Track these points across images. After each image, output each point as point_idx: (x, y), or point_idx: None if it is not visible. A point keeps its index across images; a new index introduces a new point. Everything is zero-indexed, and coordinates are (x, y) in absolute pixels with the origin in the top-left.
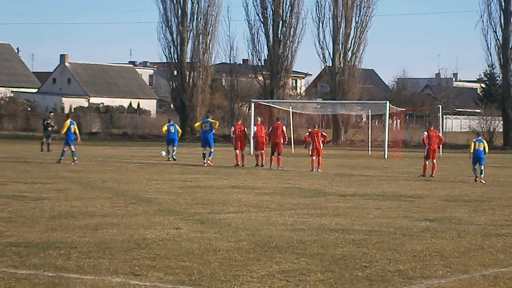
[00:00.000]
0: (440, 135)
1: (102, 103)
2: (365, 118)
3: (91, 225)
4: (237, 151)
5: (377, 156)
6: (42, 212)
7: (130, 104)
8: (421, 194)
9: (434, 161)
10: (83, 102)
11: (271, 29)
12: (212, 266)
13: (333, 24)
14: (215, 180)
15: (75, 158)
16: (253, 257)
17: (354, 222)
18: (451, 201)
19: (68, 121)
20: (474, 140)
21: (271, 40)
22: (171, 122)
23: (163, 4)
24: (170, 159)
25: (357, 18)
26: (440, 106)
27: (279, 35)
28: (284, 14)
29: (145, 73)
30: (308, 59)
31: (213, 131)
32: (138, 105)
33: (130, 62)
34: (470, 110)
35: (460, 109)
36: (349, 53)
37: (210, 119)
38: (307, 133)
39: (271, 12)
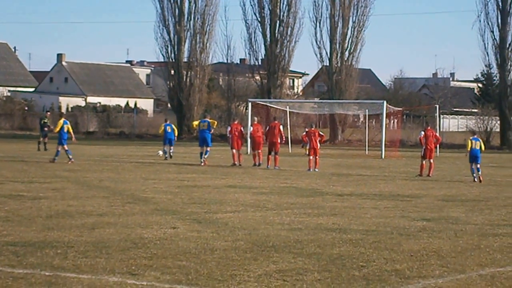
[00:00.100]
0: (437, 134)
1: (99, 103)
2: (362, 118)
3: (88, 224)
4: (234, 151)
5: (374, 156)
6: (39, 212)
7: (127, 103)
8: (418, 194)
9: (431, 160)
10: (80, 101)
11: (268, 29)
12: (209, 266)
13: (330, 23)
14: (212, 180)
15: (70, 157)
16: (250, 256)
17: (351, 222)
18: (448, 200)
19: (61, 121)
20: (471, 138)
21: (268, 40)
22: (168, 122)
23: (160, 4)
24: (167, 158)
25: (354, 18)
26: (437, 106)
27: (276, 34)
28: (282, 13)
29: (142, 73)
30: (305, 59)
31: (212, 131)
32: (135, 104)
33: (127, 62)
34: (467, 110)
35: (457, 109)
36: (346, 53)
37: (208, 119)
38: (304, 133)
39: (268, 11)
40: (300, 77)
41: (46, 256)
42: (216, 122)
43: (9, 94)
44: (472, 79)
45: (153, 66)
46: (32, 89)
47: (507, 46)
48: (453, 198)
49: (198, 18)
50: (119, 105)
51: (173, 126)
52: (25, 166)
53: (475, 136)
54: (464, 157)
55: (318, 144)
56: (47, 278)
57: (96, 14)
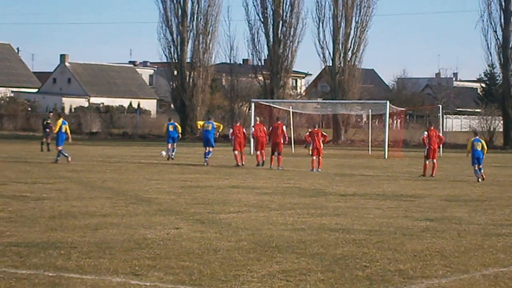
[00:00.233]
0: (440, 134)
1: (102, 103)
2: (365, 118)
3: (91, 225)
4: (236, 152)
5: (377, 156)
6: (42, 212)
7: (130, 104)
8: (421, 194)
9: (434, 160)
10: (83, 102)
11: (271, 29)
12: (212, 266)
13: (333, 23)
14: (215, 180)
15: (66, 155)
16: (253, 257)
17: (354, 222)
18: (451, 200)
19: (60, 121)
20: (472, 140)
21: (271, 40)
22: (171, 121)
23: (163, 4)
24: (172, 158)
25: (357, 18)
26: (440, 106)
27: (279, 35)
28: (284, 14)
29: (145, 73)
30: (308, 59)
31: (217, 134)
32: (138, 105)
33: (130, 62)
34: (470, 110)
35: (460, 109)
36: (349, 53)
37: (213, 121)
38: (307, 133)
39: (271, 12)
40: (303, 78)
41: (50, 257)
42: (221, 126)
43: (12, 95)
44: (475, 79)
45: (156, 66)
46: (35, 90)
47: (510, 45)
48: (456, 198)
49: (201, 19)
50: (122, 106)
51: (177, 124)
52: (28, 166)
53: (477, 137)
54: (467, 157)
55: (321, 144)
56: (50, 278)
57: (99, 15)
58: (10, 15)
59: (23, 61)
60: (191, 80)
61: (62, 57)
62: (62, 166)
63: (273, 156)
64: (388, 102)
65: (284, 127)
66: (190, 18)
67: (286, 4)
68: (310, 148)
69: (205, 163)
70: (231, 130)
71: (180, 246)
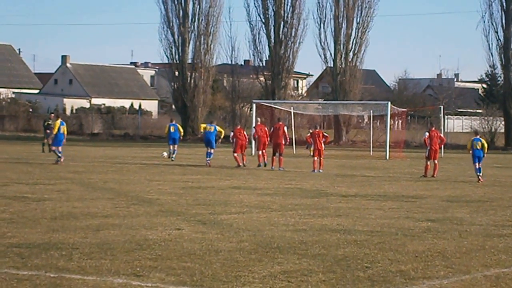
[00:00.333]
0: (442, 135)
1: (104, 104)
2: (366, 119)
3: (93, 226)
4: (236, 154)
5: (379, 157)
6: (43, 213)
7: (132, 105)
8: (423, 195)
9: (436, 161)
10: (84, 103)
11: (272, 30)
12: (213, 267)
13: (334, 24)
14: (216, 181)
15: (59, 155)
16: (254, 257)
17: (355, 223)
18: (453, 201)
19: (58, 121)
20: (473, 139)
21: (273, 41)
22: (173, 122)
23: (165, 5)
24: (173, 159)
25: (358, 19)
26: (442, 107)
27: (281, 35)
28: (286, 14)
29: (147, 74)
30: (309, 60)
31: (219, 140)
32: (140, 106)
33: (131, 63)
34: (471, 111)
35: (461, 110)
36: (351, 54)
37: (215, 124)
38: (308, 134)
39: (273, 12)
40: (304, 78)
41: (51, 258)
42: (223, 132)
43: (13, 96)
44: (477, 80)
45: (157, 67)
46: (37, 91)
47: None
48: (457, 199)
49: (202, 20)
50: (123, 107)
51: (178, 126)
52: (29, 167)
53: (477, 137)
54: (468, 158)
55: (323, 145)
56: (52, 279)
57: (100, 16)
58: (11, 16)
59: (25, 62)
60: (192, 81)
61: (64, 58)
62: (63, 167)
63: (274, 157)
64: (389, 103)
65: (285, 128)
66: (191, 19)
67: (287, 5)
68: (311, 149)
69: (207, 164)
70: (232, 134)
71: (181, 247)
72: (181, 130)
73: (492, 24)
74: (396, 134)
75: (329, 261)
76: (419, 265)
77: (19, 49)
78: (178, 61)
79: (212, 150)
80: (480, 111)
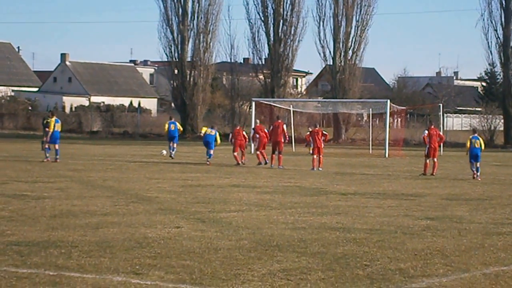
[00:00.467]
0: (441, 133)
1: (103, 102)
2: (365, 117)
3: (92, 224)
4: (235, 154)
5: (378, 155)
6: (43, 211)
7: (131, 103)
8: (422, 193)
9: (435, 159)
10: (84, 101)
11: (271, 28)
12: (213, 265)
13: (333, 22)
14: (216, 179)
15: (47, 155)
16: (254, 255)
17: (355, 221)
18: (452, 199)
19: (53, 119)
20: (471, 137)
21: (272, 39)
22: (172, 120)
23: (164, 3)
24: (171, 156)
25: (357, 17)
26: (441, 105)
27: (280, 33)
28: (285, 12)
29: (146, 72)
30: (308, 58)
31: (217, 142)
32: (139, 104)
33: (131, 61)
34: (471, 109)
35: (461, 108)
36: (350, 52)
37: (216, 130)
38: (308, 133)
39: (272, 10)
40: (304, 76)
41: (50, 256)
42: (219, 142)
43: (12, 94)
44: (476, 78)
45: (156, 65)
46: (36, 89)
47: (511, 44)
48: (457, 197)
49: (201, 18)
50: (122, 105)
51: (177, 123)
52: (28, 165)
53: (475, 135)
54: (466, 155)
55: (322, 143)
56: (51, 277)
57: (100, 14)
58: (10, 14)
59: (24, 60)
60: (191, 79)
61: (63, 56)
62: (63, 165)
63: (273, 155)
64: (388, 101)
65: (284, 126)
66: (191, 17)
67: (286, 3)
68: (311, 147)
69: (207, 162)
70: (231, 135)
71: (180, 245)
72: (181, 127)
73: (492, 22)
74: (395, 132)
75: (328, 259)
76: (418, 263)
77: (18, 47)
78: (177, 59)
79: (212, 151)
80: (479, 109)
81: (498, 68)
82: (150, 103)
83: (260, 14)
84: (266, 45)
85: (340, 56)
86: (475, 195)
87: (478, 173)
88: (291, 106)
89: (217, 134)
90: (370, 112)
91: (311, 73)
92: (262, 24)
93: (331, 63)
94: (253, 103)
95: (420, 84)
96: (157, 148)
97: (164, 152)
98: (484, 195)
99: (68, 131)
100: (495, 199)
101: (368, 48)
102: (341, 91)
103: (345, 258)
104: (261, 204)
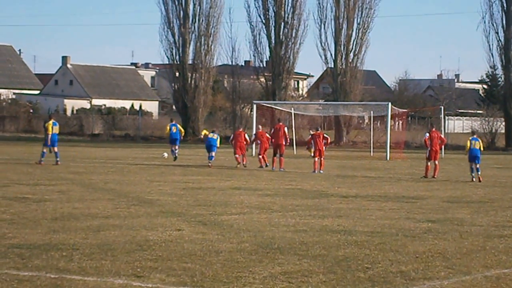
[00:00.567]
0: (442, 136)
1: (104, 105)
2: (367, 120)
3: (93, 226)
4: (236, 156)
5: (379, 158)
6: (44, 214)
7: (132, 105)
8: (423, 195)
9: (436, 162)
10: (85, 104)
11: (273, 31)
12: (214, 268)
13: (335, 25)
14: (217, 182)
15: (42, 158)
16: (255, 258)
17: (356, 224)
18: (453, 202)
19: (50, 122)
20: (470, 138)
21: (273, 42)
22: (173, 122)
23: (165, 6)
24: (175, 157)
25: (359, 20)
26: (442, 107)
27: (281, 36)
28: (286, 15)
29: (147, 75)
30: (310, 61)
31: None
32: (140, 106)
33: (132, 64)
34: (472, 111)
35: (462, 110)
36: (351, 54)
37: (217, 134)
38: (309, 136)
39: (273, 13)
40: (305, 79)
41: (52, 259)
42: (218, 146)
43: (14, 96)
44: (477, 80)
45: (158, 68)
46: (37, 92)
47: None
48: (458, 200)
49: (202, 20)
50: (124, 108)
51: (179, 126)
52: (30, 168)
53: (475, 136)
54: (466, 156)
55: (323, 146)
56: (52, 280)
57: (101, 17)
58: (11, 16)
59: (25, 63)
60: (193, 82)
61: (64, 58)
62: (64, 168)
63: (275, 158)
64: (390, 103)
65: (285, 129)
66: (192, 20)
67: (288, 5)
68: (312, 150)
69: (209, 165)
70: (232, 137)
71: (182, 248)
72: (182, 130)
73: (493, 25)
74: (396, 135)
75: (330, 262)
76: (420, 266)
77: (19, 50)
78: (178, 62)
79: (213, 153)
80: (480, 111)
81: (500, 71)
82: (151, 106)
83: (261, 16)
84: (267, 48)
85: (341, 58)
86: (477, 198)
87: (479, 173)
88: (292, 108)
89: (219, 138)
90: (371, 115)
91: (312, 76)
92: (263, 26)
93: (332, 66)
94: (254, 106)
95: (421, 86)
96: (158, 151)
97: (165, 154)
98: (485, 198)
99: (69, 133)
100: (496, 202)
101: (369, 50)
102: (342, 94)
103: (347, 261)
104: (262, 207)
